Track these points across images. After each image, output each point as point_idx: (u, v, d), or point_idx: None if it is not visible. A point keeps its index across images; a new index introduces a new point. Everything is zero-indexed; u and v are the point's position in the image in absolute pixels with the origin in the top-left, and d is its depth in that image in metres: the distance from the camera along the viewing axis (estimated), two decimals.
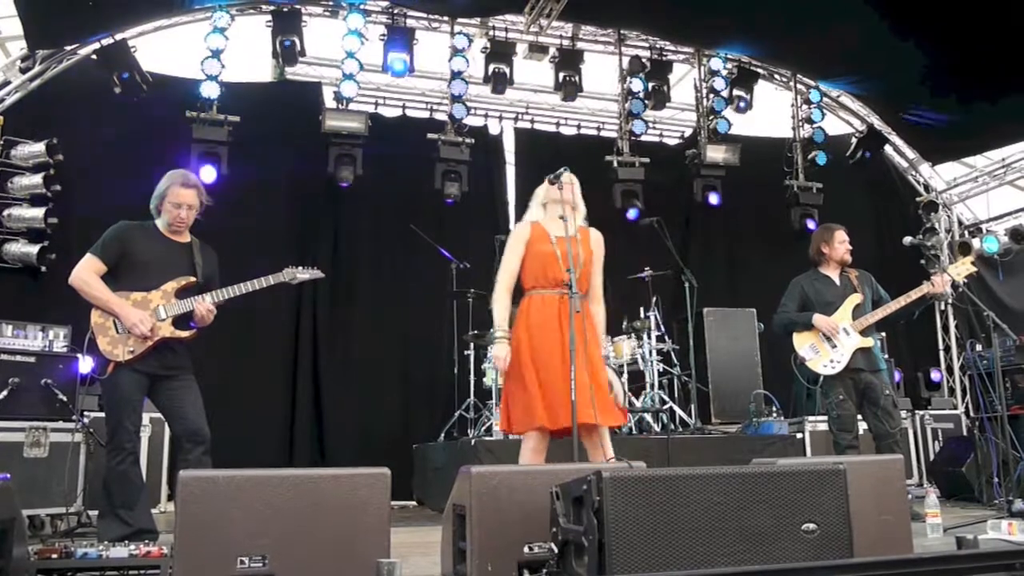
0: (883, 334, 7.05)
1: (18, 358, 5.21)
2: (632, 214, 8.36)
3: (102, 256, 3.93)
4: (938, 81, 7.70)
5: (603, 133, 9.30)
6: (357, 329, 7.91)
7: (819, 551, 2.39)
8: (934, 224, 9.61)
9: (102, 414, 4.16)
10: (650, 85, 8.84)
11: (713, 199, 8.78)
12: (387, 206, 8.16)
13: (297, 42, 7.71)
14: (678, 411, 7.21)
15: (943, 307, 9.72)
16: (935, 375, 9.28)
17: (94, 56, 7.16)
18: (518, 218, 4.60)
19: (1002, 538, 3.84)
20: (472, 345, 6.95)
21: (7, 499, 2.86)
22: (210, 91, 7.29)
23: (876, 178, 9.70)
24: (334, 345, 7.82)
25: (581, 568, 2.34)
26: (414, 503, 7.21)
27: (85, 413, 5.40)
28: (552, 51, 8.66)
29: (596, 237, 4.02)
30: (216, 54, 7.35)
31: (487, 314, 3.97)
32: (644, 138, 8.96)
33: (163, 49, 7.78)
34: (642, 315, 7.36)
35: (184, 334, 3.99)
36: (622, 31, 8.98)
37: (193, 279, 4.05)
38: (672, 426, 6.95)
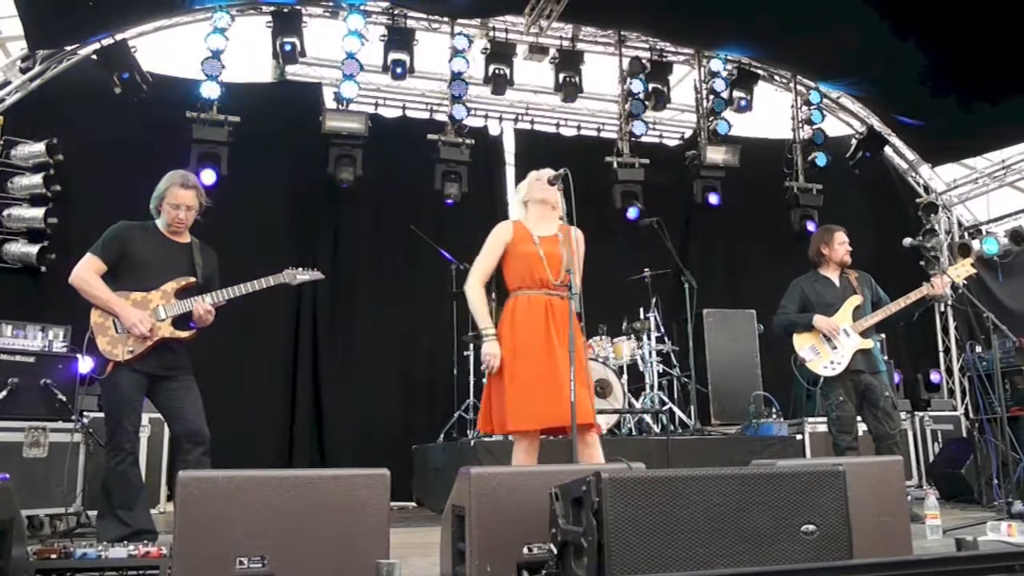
0: (883, 335, 7.04)
1: (17, 358, 5.20)
2: (632, 213, 8.37)
3: (102, 255, 3.93)
4: (938, 82, 7.70)
5: (603, 134, 9.30)
6: (357, 330, 7.91)
7: (818, 552, 2.38)
8: (934, 225, 9.62)
9: (101, 414, 4.15)
10: (650, 86, 8.85)
11: (713, 200, 8.78)
12: (387, 207, 8.16)
13: (297, 43, 7.71)
14: (678, 412, 7.21)
15: (943, 309, 9.72)
16: (935, 376, 9.28)
17: (94, 56, 7.16)
18: None
19: (1001, 540, 3.85)
20: (472, 346, 6.95)
21: (6, 499, 2.85)
22: (210, 91, 7.29)
23: (876, 179, 9.70)
24: (334, 346, 7.82)
25: (580, 569, 2.34)
26: (413, 504, 7.21)
27: (84, 413, 5.40)
28: (552, 52, 8.66)
29: (578, 236, 3.99)
30: (216, 54, 7.35)
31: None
32: (644, 139, 8.97)
33: (163, 49, 7.79)
34: (642, 316, 7.36)
35: (184, 334, 3.99)
36: (622, 32, 8.99)
37: (193, 280, 4.05)
38: (672, 427, 6.95)
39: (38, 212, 6.77)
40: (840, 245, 5.34)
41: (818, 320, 5.14)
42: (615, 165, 8.57)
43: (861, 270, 5.43)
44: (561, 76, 8.61)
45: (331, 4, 7.96)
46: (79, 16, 6.62)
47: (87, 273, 3.90)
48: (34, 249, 6.72)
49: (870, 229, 8.85)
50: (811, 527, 2.41)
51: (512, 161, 8.94)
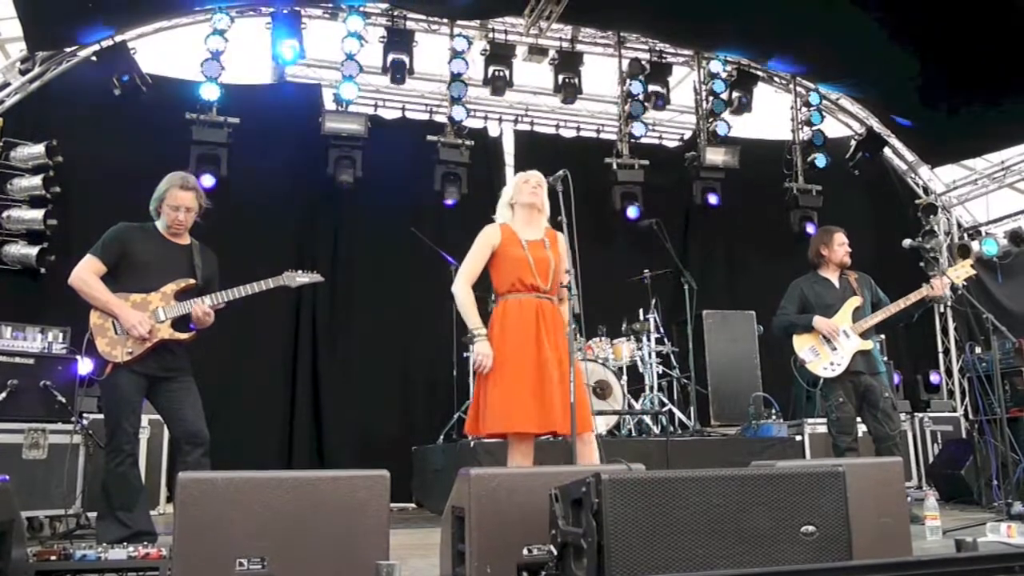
0: (882, 336, 7.05)
1: (17, 360, 5.20)
2: (633, 212, 8.37)
3: (102, 257, 3.93)
4: (938, 82, 7.71)
5: (602, 135, 9.30)
6: (357, 331, 7.91)
7: (818, 553, 2.38)
8: (933, 227, 9.62)
9: (101, 416, 4.15)
10: (649, 87, 8.85)
11: (712, 201, 8.78)
12: (387, 208, 8.15)
13: (297, 44, 7.71)
14: (677, 413, 7.21)
15: (942, 310, 9.72)
16: (934, 378, 9.28)
17: (94, 58, 7.16)
18: None
19: (1001, 541, 3.85)
20: (471, 347, 6.93)
21: (6, 501, 2.85)
22: (210, 93, 7.29)
23: (875, 180, 9.70)
24: (334, 347, 7.82)
25: (580, 570, 2.34)
26: (413, 505, 7.20)
27: (84, 415, 5.40)
28: (552, 53, 8.67)
29: (563, 240, 3.99)
30: (216, 56, 7.36)
31: (483, 316, 3.95)
32: (643, 140, 8.97)
33: (163, 51, 7.79)
34: (641, 317, 7.36)
35: (183, 336, 3.98)
36: (622, 33, 9.00)
37: (192, 281, 4.05)
38: (671, 428, 6.95)
39: (38, 214, 6.76)
40: (840, 246, 5.34)
41: (818, 321, 5.14)
42: (615, 166, 8.57)
43: (861, 271, 5.43)
44: (560, 77, 8.62)
45: (330, 5, 7.97)
46: (78, 17, 6.62)
47: (86, 274, 3.89)
48: (34, 251, 6.72)
49: (869, 230, 8.85)
50: (811, 528, 2.41)
51: (512, 162, 8.94)
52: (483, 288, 4.01)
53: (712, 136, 8.95)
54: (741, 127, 9.19)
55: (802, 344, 5.19)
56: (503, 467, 3.68)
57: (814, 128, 9.17)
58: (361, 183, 7.73)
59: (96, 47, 7.14)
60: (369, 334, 7.90)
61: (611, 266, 7.92)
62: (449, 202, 7.99)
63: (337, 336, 7.86)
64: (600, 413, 6.22)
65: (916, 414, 8.00)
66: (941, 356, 9.70)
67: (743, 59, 9.09)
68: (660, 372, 7.29)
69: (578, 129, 9.33)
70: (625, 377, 7.03)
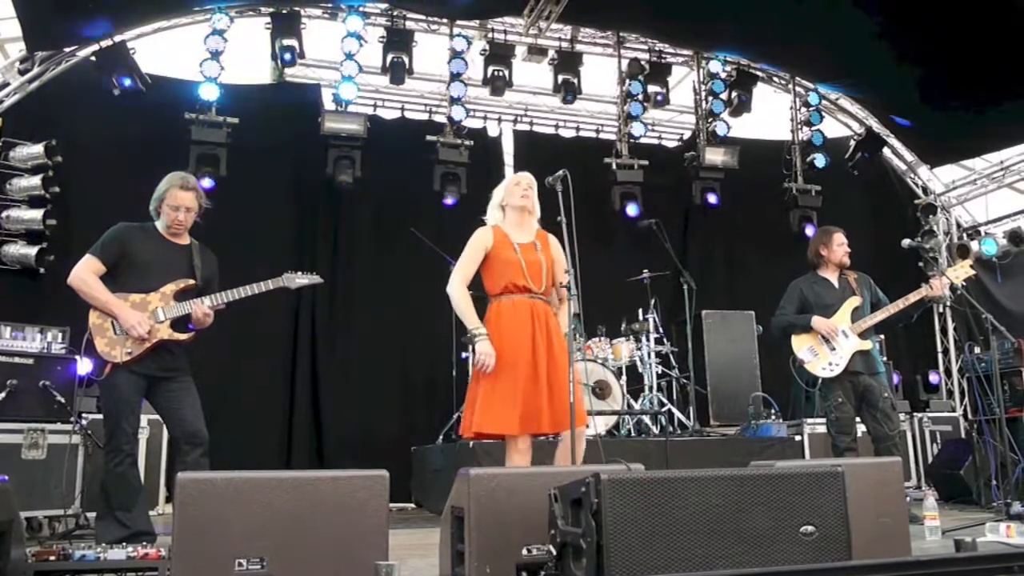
0: (882, 337, 7.05)
1: (16, 360, 5.20)
2: (633, 210, 8.37)
3: (101, 256, 3.93)
4: (937, 82, 7.71)
5: (602, 135, 9.29)
6: (356, 331, 7.91)
7: (817, 553, 2.39)
8: (932, 227, 9.63)
9: (100, 416, 4.15)
10: (649, 87, 8.85)
11: (712, 201, 8.78)
12: (386, 208, 8.15)
13: (296, 44, 7.71)
14: (677, 413, 7.21)
15: (942, 310, 9.73)
16: (933, 378, 9.28)
17: (93, 58, 7.15)
18: None
19: (1000, 541, 3.85)
20: (471, 348, 6.93)
21: (5, 501, 2.85)
22: (209, 93, 7.29)
23: (875, 181, 9.71)
24: (333, 347, 7.82)
25: (579, 570, 2.34)
26: (412, 505, 7.20)
27: (83, 415, 5.39)
28: (551, 53, 8.66)
29: (555, 242, 4.00)
30: (215, 56, 7.35)
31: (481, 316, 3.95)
32: (643, 140, 8.97)
33: (162, 51, 7.78)
34: (641, 317, 7.37)
35: (182, 336, 3.98)
36: (621, 33, 8.99)
37: (192, 282, 4.05)
38: (671, 428, 6.95)
39: (37, 214, 6.76)
40: (839, 246, 5.34)
41: (817, 321, 5.14)
42: (614, 166, 8.57)
43: (860, 271, 5.43)
44: (560, 77, 8.62)
45: (330, 5, 7.96)
46: (78, 17, 6.61)
47: (86, 274, 3.89)
48: (33, 251, 6.71)
49: (869, 230, 8.85)
50: (810, 528, 2.41)
51: (511, 162, 8.93)
52: (479, 288, 4.01)
53: (711, 136, 8.95)
54: (740, 127, 9.19)
55: (801, 344, 5.19)
56: (502, 467, 3.68)
57: (813, 128, 9.16)
58: (360, 183, 7.72)
59: (95, 47, 7.13)
60: (369, 334, 7.90)
61: (610, 266, 7.92)
62: (448, 202, 7.99)
63: (336, 336, 7.86)
64: (599, 413, 6.22)
65: (915, 414, 8.00)
66: (940, 356, 9.70)
67: (743, 59, 9.09)
68: (659, 372, 7.29)
69: (577, 129, 9.33)
70: (624, 377, 7.03)
